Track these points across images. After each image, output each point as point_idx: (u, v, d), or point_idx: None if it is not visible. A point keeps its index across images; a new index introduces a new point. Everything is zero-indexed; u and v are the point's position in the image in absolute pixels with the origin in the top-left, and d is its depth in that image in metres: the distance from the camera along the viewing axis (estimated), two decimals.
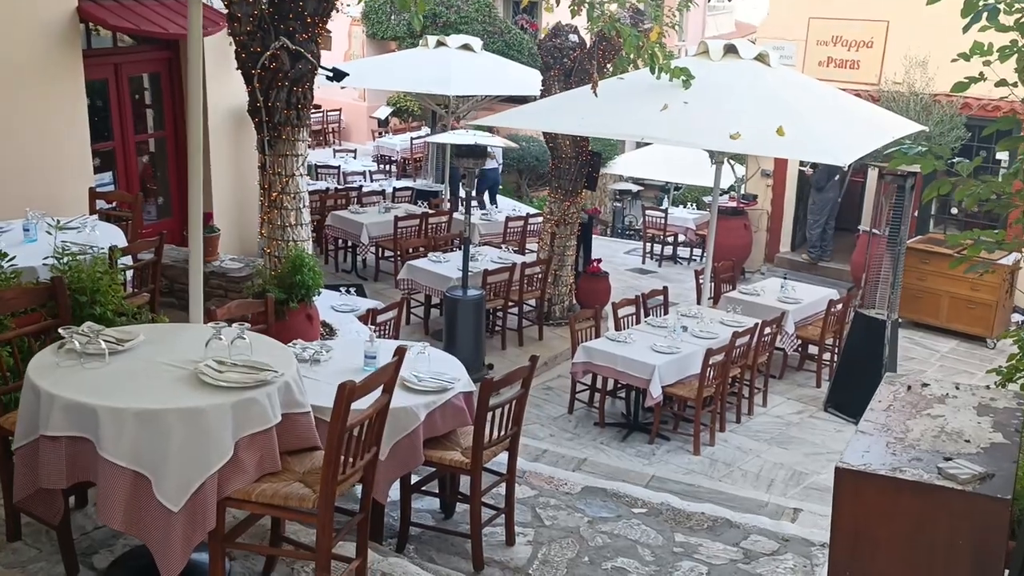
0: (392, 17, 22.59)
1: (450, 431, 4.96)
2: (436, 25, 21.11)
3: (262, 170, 7.40)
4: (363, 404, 3.62)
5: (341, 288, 9.52)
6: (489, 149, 17.28)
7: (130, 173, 9.77)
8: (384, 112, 22.03)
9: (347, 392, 3.34)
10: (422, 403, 4.69)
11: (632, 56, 8.99)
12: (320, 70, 7.27)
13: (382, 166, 19.82)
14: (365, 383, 3.53)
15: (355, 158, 19.24)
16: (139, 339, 3.83)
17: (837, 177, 14.83)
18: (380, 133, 22.25)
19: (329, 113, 22.52)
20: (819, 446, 8.54)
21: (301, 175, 7.44)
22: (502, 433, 4.92)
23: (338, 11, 13.63)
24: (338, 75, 7.43)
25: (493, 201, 16.90)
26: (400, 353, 3.82)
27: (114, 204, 8.64)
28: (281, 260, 7.28)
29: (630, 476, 7.26)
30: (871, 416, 4.03)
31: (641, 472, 7.49)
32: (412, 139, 20.19)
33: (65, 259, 5.27)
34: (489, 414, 4.73)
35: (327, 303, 8.55)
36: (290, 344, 5.21)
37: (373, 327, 7.63)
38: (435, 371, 4.98)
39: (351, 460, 3.62)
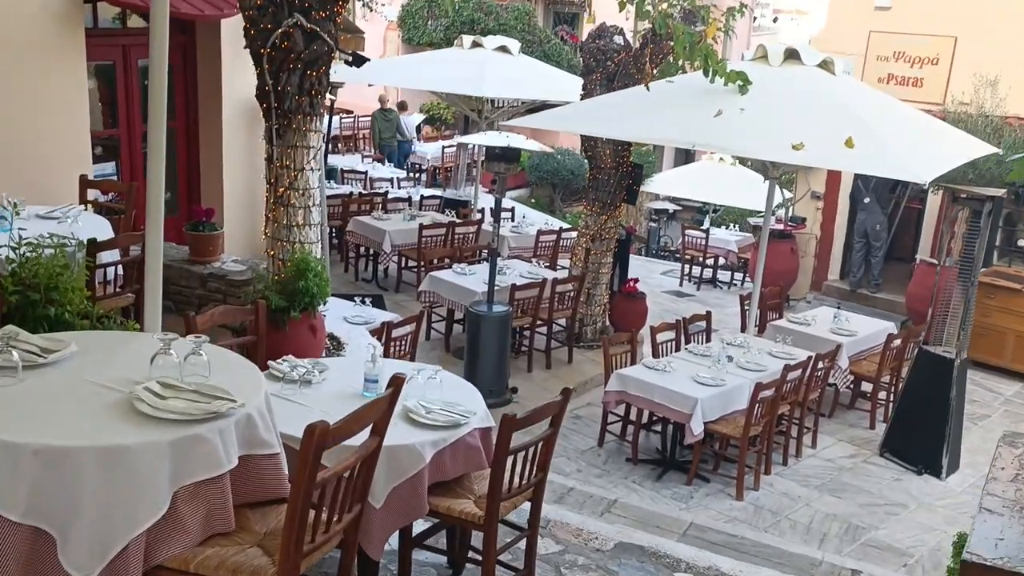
0: (429, 22, 22.10)
1: (461, 475, 4.13)
2: (474, 31, 20.58)
3: (269, 162, 6.65)
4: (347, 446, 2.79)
5: (356, 298, 8.79)
6: (405, 125, 19.02)
7: (135, 164, 9.05)
8: (416, 119, 21.44)
9: (317, 436, 2.49)
10: (429, 440, 3.86)
11: (682, 60, 8.23)
12: (338, 54, 6.52)
13: (412, 174, 19.21)
14: (344, 424, 2.66)
15: (383, 164, 18.61)
16: (70, 349, 3.02)
17: (867, 200, 13.83)
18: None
19: (361, 118, 21.91)
20: (876, 496, 7.78)
21: (312, 170, 6.65)
22: (524, 481, 4.07)
23: (372, 10, 12.75)
24: (358, 60, 6.69)
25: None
26: (396, 384, 2.98)
27: (110, 195, 7.92)
28: (285, 263, 6.50)
29: (665, 522, 6.57)
30: (995, 488, 3.16)
31: (678, 518, 6.76)
32: (444, 147, 19.65)
33: (22, 250, 4.50)
34: (510, 457, 3.90)
35: (339, 313, 7.86)
36: (279, 361, 4.42)
37: (385, 342, 6.83)
38: (447, 401, 4.16)
39: (325, 522, 2.78)
